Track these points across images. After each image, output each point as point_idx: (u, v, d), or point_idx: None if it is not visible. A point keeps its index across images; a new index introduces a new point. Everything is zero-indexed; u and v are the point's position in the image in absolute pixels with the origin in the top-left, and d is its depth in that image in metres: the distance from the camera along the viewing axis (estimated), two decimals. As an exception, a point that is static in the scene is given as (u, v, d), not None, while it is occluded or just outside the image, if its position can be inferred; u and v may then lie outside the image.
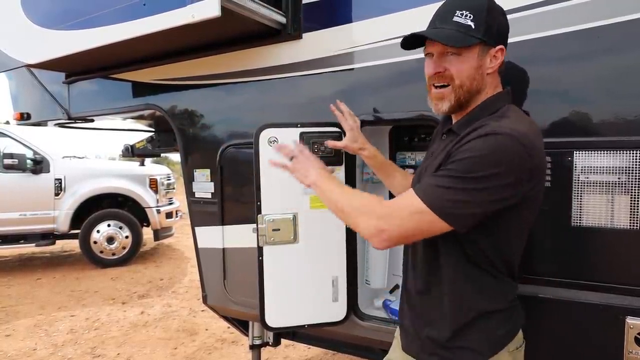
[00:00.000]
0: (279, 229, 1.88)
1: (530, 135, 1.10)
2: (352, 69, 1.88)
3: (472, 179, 1.05)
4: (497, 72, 1.23)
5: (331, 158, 1.86)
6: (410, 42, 1.24)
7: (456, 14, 1.16)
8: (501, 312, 1.22)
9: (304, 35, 2.01)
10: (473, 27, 1.15)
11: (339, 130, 1.83)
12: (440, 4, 1.48)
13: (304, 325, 1.97)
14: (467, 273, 1.19)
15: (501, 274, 1.21)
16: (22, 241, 6.45)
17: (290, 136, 1.87)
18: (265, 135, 1.89)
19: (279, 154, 1.55)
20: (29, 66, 2.76)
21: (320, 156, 1.82)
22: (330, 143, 1.73)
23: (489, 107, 1.20)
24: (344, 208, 1.24)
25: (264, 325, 1.94)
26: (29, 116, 3.44)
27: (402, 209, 1.13)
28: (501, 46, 1.20)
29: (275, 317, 1.94)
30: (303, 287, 1.94)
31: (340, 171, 1.88)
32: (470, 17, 1.15)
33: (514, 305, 1.26)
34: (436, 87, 1.22)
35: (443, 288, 1.22)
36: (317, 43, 1.98)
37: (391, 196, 1.86)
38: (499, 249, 1.19)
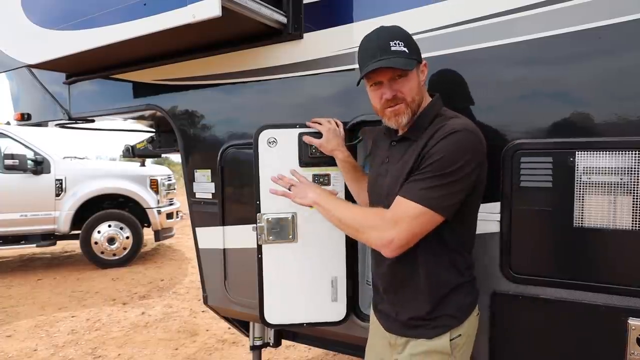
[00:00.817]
0: (278, 228, 1.90)
1: (475, 126, 1.35)
2: (353, 69, 1.88)
3: (449, 173, 1.26)
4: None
5: (327, 160, 1.86)
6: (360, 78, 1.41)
7: (391, 45, 1.34)
8: (468, 284, 1.44)
9: (305, 35, 2.01)
10: (407, 51, 1.35)
11: None
12: (441, 3, 1.48)
13: (303, 323, 1.98)
14: (443, 255, 1.39)
15: (466, 251, 1.45)
16: (22, 242, 6.46)
17: (289, 137, 1.88)
18: (265, 136, 1.91)
19: (277, 184, 1.77)
20: (29, 66, 2.76)
21: (316, 157, 1.87)
22: (307, 138, 1.85)
23: (432, 112, 1.41)
24: (350, 224, 1.43)
25: (263, 321, 1.96)
26: (29, 117, 3.43)
27: (403, 217, 1.29)
28: (425, 61, 1.43)
29: (274, 314, 1.96)
30: (302, 286, 1.95)
31: (339, 171, 1.87)
32: (402, 44, 1.35)
33: (474, 278, 1.48)
34: (391, 106, 1.39)
35: (421, 271, 1.39)
36: (318, 43, 1.97)
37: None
38: (467, 228, 1.43)
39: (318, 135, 1.83)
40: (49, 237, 6.56)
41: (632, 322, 1.38)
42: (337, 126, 1.84)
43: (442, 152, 1.27)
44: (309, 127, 1.87)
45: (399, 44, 1.34)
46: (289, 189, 1.72)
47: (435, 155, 1.28)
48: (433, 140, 1.31)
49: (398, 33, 1.38)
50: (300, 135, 1.88)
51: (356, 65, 1.87)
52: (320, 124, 1.85)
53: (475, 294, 1.47)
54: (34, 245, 6.48)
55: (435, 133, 1.32)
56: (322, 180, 1.89)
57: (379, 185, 1.49)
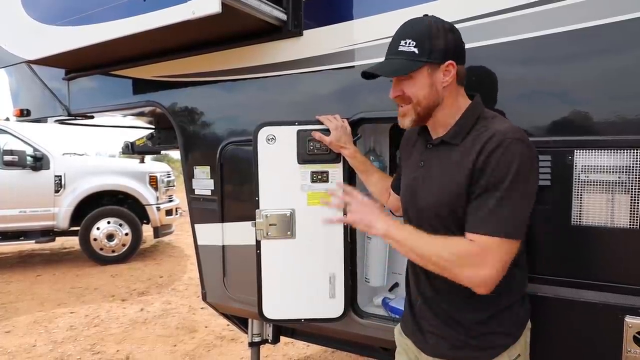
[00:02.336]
0: (276, 224, 1.91)
1: (520, 129, 1.25)
2: (353, 66, 1.88)
3: (518, 191, 1.16)
4: (457, 82, 1.31)
5: (329, 155, 1.87)
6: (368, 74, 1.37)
7: (401, 44, 1.28)
8: (523, 297, 1.37)
9: (305, 32, 2.01)
10: (417, 52, 1.26)
11: None
12: (439, 1, 1.47)
13: (301, 319, 1.99)
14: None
15: (522, 264, 1.36)
16: (22, 238, 6.46)
17: (288, 134, 1.89)
18: (264, 133, 1.92)
19: (330, 206, 1.62)
20: (28, 62, 2.76)
21: (315, 154, 1.88)
22: (317, 135, 1.86)
23: (473, 114, 1.31)
24: (434, 261, 1.22)
25: (261, 316, 1.98)
26: (28, 112, 3.43)
27: (490, 251, 1.17)
28: (450, 61, 1.28)
29: (273, 309, 1.98)
30: (299, 282, 1.96)
31: (338, 168, 1.89)
32: (413, 44, 1.26)
33: (526, 287, 1.41)
34: (400, 105, 1.35)
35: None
36: (318, 40, 1.97)
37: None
38: (524, 241, 1.30)
39: (326, 132, 1.84)
40: (48, 234, 6.56)
41: (629, 320, 1.39)
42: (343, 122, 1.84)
43: (499, 167, 1.16)
44: (310, 124, 1.88)
45: (409, 43, 1.26)
46: (344, 211, 1.42)
47: (495, 172, 1.17)
48: (484, 152, 1.19)
49: (414, 30, 1.28)
50: (299, 132, 1.89)
51: (356, 63, 1.89)
52: (328, 120, 1.85)
53: (528, 305, 1.39)
54: (33, 241, 6.48)
55: (485, 143, 1.20)
56: (320, 178, 1.90)
57: (413, 189, 1.40)
